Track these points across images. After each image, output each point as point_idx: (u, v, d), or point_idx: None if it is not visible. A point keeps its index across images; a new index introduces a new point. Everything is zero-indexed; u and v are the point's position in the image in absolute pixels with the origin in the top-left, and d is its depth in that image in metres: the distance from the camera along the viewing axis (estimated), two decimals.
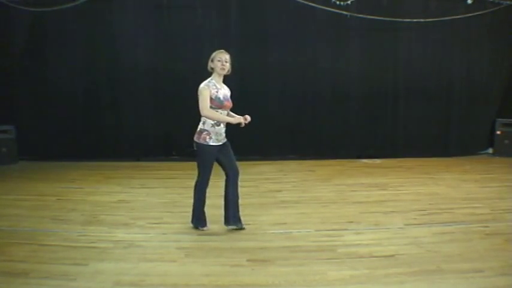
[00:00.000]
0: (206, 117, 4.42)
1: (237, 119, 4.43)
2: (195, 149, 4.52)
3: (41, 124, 8.19)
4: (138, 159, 8.43)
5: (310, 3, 7.99)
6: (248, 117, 4.48)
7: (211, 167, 4.54)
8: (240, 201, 4.67)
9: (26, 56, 8.05)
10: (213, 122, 4.44)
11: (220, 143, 4.52)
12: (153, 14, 8.22)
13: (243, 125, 4.43)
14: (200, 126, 4.50)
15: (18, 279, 3.49)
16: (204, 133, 4.45)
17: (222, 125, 4.49)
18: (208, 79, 4.49)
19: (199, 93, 4.42)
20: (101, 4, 8.00)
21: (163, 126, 8.50)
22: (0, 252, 4.01)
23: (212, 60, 4.48)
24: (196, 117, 4.53)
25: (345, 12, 8.08)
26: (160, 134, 8.56)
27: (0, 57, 8.01)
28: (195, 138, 4.50)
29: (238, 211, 4.65)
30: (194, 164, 7.82)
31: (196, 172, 4.60)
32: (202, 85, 4.45)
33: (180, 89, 8.12)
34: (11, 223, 4.84)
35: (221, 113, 4.45)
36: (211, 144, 4.46)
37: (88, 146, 8.38)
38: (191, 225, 4.67)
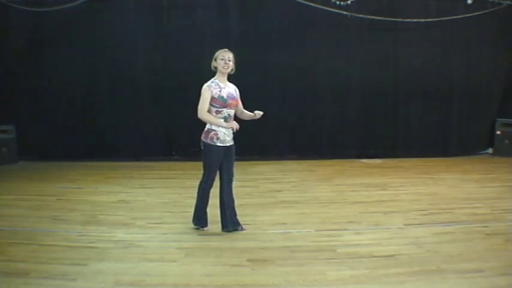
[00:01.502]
0: (201, 119, 4.42)
1: (229, 124, 4.41)
2: (202, 148, 4.49)
3: (41, 124, 8.18)
4: (138, 159, 8.43)
5: (310, 3, 7.99)
6: (259, 112, 4.55)
7: (217, 167, 4.52)
8: (236, 203, 4.65)
9: (26, 56, 8.05)
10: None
11: (227, 145, 4.49)
12: (153, 14, 8.23)
13: (235, 130, 4.44)
14: (208, 125, 4.46)
15: (18, 279, 3.49)
16: (212, 133, 4.42)
17: None
18: (212, 79, 4.48)
19: (201, 93, 4.41)
20: (101, 4, 8.00)
21: (163, 126, 8.51)
22: (0, 252, 4.00)
23: (215, 59, 4.46)
24: (196, 116, 4.52)
25: (345, 12, 8.09)
26: (160, 134, 8.56)
27: (0, 57, 8.01)
28: (202, 138, 4.48)
29: (235, 215, 4.64)
30: (194, 164, 7.80)
31: (200, 172, 4.57)
32: (204, 86, 4.43)
33: (180, 89, 8.14)
34: (11, 223, 4.84)
35: (227, 112, 4.43)
36: (219, 145, 4.43)
37: (88, 146, 8.39)
38: (192, 224, 4.67)
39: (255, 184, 6.62)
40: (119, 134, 8.43)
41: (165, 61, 8.22)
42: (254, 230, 4.66)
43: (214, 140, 4.42)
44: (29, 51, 8.05)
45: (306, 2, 7.98)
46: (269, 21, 8.30)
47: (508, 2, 8.40)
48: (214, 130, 4.42)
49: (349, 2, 8.06)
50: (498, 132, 8.86)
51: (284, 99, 8.47)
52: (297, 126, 8.60)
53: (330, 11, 8.07)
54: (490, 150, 9.12)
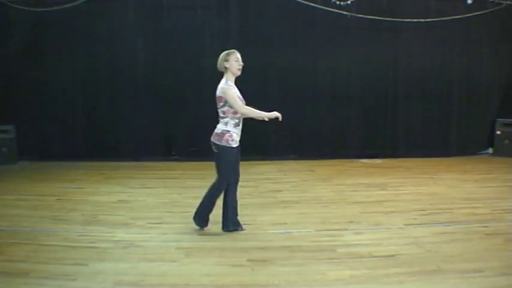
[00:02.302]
0: (244, 114, 4.34)
1: (272, 114, 4.35)
2: (216, 151, 4.38)
3: (41, 124, 8.19)
4: (138, 159, 8.43)
5: (310, 3, 8.00)
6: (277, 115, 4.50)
7: (234, 167, 4.48)
8: (238, 202, 4.65)
9: (26, 56, 8.05)
10: (235, 122, 4.37)
11: (238, 144, 4.45)
12: (153, 14, 8.23)
13: (280, 118, 4.39)
14: (222, 127, 4.37)
15: (18, 279, 3.49)
16: (227, 134, 4.34)
17: (241, 125, 4.44)
18: (225, 80, 4.37)
19: (223, 93, 4.29)
20: (101, 4, 8.00)
21: (163, 126, 8.52)
22: (0, 252, 4.01)
23: (227, 60, 4.35)
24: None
25: (345, 12, 8.09)
26: (160, 134, 8.56)
27: (0, 57, 8.01)
28: (216, 141, 4.36)
29: (236, 215, 4.63)
30: (194, 164, 7.81)
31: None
32: (224, 86, 4.32)
33: (180, 89, 8.15)
34: (11, 223, 4.84)
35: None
36: (234, 146, 4.38)
37: (88, 146, 8.40)
38: (192, 221, 4.61)
39: (255, 184, 6.62)
40: (119, 134, 8.44)
41: (165, 61, 8.23)
42: (254, 230, 4.66)
43: (230, 142, 4.35)
44: (29, 51, 8.05)
45: (306, 2, 7.98)
46: (269, 21, 8.30)
47: (508, 2, 8.40)
48: (229, 131, 4.35)
49: (349, 2, 8.06)
50: (498, 132, 8.86)
51: (284, 99, 8.46)
52: (297, 126, 8.59)
53: (330, 11, 8.08)
54: (490, 150, 9.13)
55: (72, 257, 3.94)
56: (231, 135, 4.36)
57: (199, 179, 6.82)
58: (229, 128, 4.36)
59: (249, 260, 3.91)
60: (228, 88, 4.30)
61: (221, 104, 4.34)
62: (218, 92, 4.35)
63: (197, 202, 5.63)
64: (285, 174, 7.46)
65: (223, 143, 4.34)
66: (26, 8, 7.72)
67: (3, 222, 4.87)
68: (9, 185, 6.57)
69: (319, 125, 8.71)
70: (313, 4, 8.02)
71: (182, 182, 6.75)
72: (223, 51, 4.46)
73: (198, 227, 4.63)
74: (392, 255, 4.00)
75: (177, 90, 8.17)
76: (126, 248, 4.18)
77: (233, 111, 4.34)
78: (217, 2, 8.32)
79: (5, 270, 3.63)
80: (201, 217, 4.60)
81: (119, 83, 8.31)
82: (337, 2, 8.07)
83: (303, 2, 7.96)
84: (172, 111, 8.32)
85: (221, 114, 4.39)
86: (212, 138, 4.41)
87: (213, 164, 4.48)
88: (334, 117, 8.73)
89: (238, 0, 8.31)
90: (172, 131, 8.53)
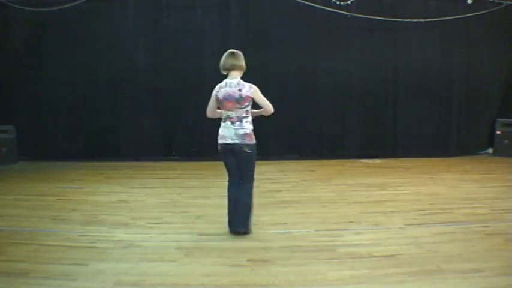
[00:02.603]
0: (270, 113, 4.40)
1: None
2: (249, 151, 4.33)
3: (41, 124, 8.20)
4: (138, 159, 8.43)
5: (310, 3, 8.00)
6: None
7: None
8: None
9: (26, 56, 8.06)
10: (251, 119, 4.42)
11: None
12: (153, 14, 8.23)
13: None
14: (250, 127, 4.36)
15: (18, 279, 3.49)
16: (252, 132, 4.39)
17: None
18: (240, 80, 4.38)
19: (252, 94, 4.30)
20: (101, 4, 8.01)
21: (163, 126, 8.52)
22: (0, 252, 4.01)
23: (243, 60, 4.42)
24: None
25: (345, 12, 8.09)
26: (160, 134, 8.56)
27: (0, 57, 8.01)
28: (249, 141, 4.32)
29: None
30: (194, 164, 7.78)
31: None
32: (252, 86, 4.34)
33: (180, 89, 8.15)
34: (11, 223, 4.84)
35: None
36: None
37: (88, 146, 8.40)
38: (249, 231, 4.45)
39: (255, 184, 6.55)
40: (119, 134, 8.44)
41: (165, 61, 8.23)
42: (254, 230, 4.65)
43: (254, 139, 4.41)
44: (29, 51, 8.06)
45: (306, 2, 7.98)
46: (269, 21, 8.30)
47: (508, 2, 8.40)
48: (253, 129, 4.40)
49: (349, 2, 8.06)
50: (498, 132, 8.85)
51: (284, 99, 8.42)
52: (297, 126, 8.60)
53: (330, 11, 8.07)
54: (490, 150, 9.12)
55: (72, 257, 3.94)
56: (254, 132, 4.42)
57: (199, 179, 6.84)
58: (253, 126, 4.41)
59: (249, 260, 3.91)
60: (257, 88, 4.36)
61: (246, 104, 4.33)
62: (245, 92, 4.29)
63: (197, 202, 5.65)
64: (285, 174, 7.46)
65: (254, 141, 4.38)
66: (26, 8, 7.72)
67: (3, 222, 4.87)
68: (9, 185, 6.57)
69: (319, 125, 8.71)
70: (313, 4, 8.02)
71: (182, 182, 6.74)
72: (226, 51, 4.45)
73: (248, 231, 4.49)
74: (393, 255, 3.99)
75: (177, 90, 8.17)
76: (126, 248, 4.18)
77: (249, 110, 4.38)
78: (218, 1, 8.33)
79: (5, 270, 3.63)
80: (251, 220, 4.51)
81: (118, 83, 8.31)
82: (337, 2, 8.07)
83: (303, 2, 7.96)
84: (172, 111, 8.32)
85: (244, 114, 4.35)
86: (241, 141, 4.32)
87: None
88: (334, 117, 8.72)
89: (238, 0, 8.31)
90: (172, 131, 8.54)
